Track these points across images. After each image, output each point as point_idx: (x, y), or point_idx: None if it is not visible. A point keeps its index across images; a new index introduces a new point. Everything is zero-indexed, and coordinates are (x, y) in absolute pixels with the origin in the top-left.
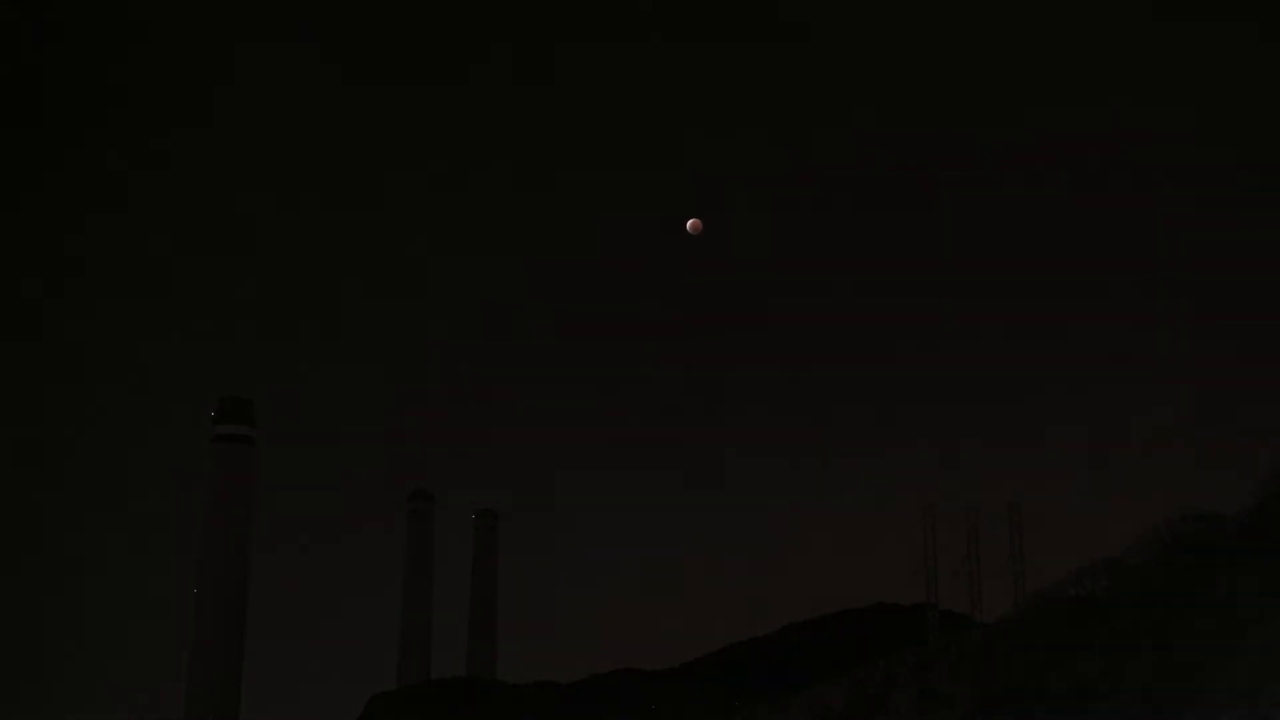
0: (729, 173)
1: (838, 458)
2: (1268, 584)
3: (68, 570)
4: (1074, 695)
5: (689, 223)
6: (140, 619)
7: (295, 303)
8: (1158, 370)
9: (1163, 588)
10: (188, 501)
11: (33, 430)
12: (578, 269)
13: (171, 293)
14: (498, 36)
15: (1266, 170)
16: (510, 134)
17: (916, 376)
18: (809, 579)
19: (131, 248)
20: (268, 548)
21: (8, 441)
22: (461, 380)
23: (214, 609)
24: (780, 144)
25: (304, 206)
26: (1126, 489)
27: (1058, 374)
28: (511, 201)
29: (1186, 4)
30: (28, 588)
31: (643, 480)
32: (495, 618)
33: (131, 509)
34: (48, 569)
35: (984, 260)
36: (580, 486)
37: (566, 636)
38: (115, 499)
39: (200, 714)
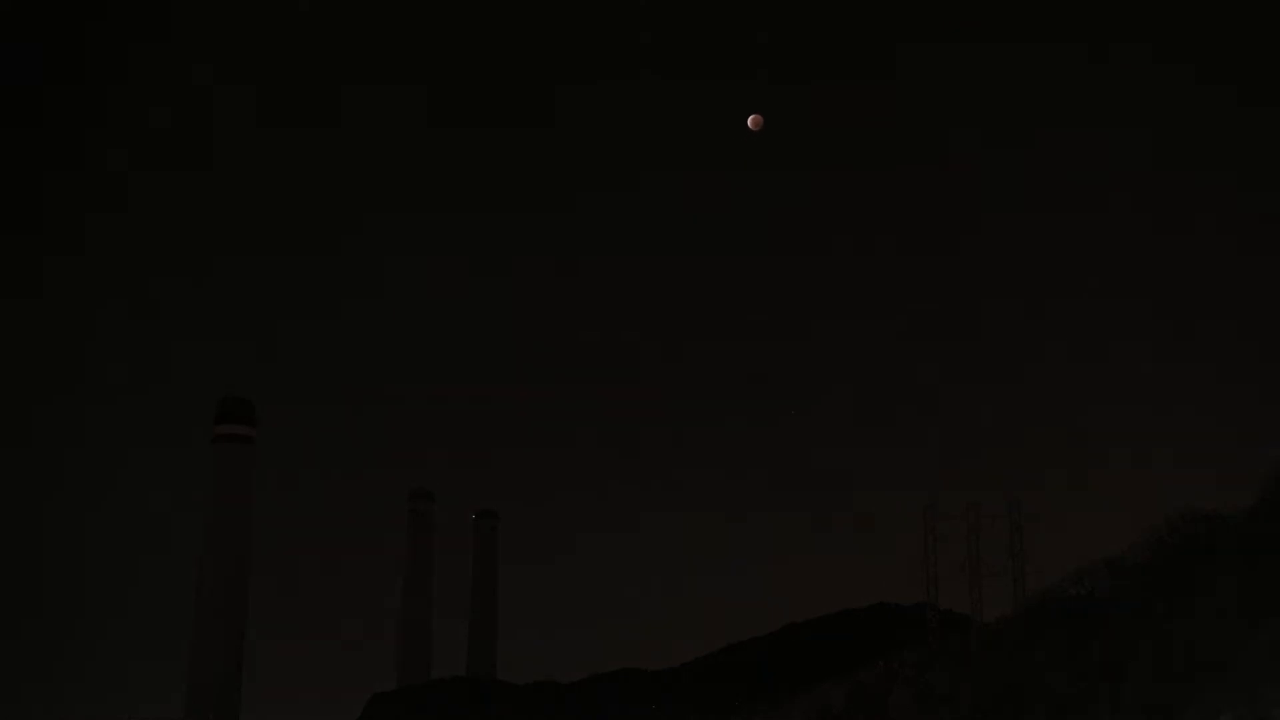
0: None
1: (836, 454)
2: (1268, 584)
3: (66, 570)
4: (1074, 695)
5: (750, 119)
6: (140, 619)
7: (296, 302)
8: (1158, 370)
9: (1163, 588)
10: (188, 501)
11: (30, 430)
12: (582, 270)
13: (171, 292)
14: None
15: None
16: (516, 140)
17: (916, 376)
18: (809, 579)
19: (131, 246)
20: (267, 547)
21: (5, 441)
22: (462, 380)
23: (214, 609)
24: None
25: (308, 205)
26: (1127, 489)
27: (1059, 374)
28: (512, 202)
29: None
30: (26, 588)
31: (642, 480)
32: (495, 618)
33: (131, 509)
34: (46, 569)
35: (985, 260)
36: (580, 486)
37: (566, 636)
38: (114, 499)
39: (200, 714)
